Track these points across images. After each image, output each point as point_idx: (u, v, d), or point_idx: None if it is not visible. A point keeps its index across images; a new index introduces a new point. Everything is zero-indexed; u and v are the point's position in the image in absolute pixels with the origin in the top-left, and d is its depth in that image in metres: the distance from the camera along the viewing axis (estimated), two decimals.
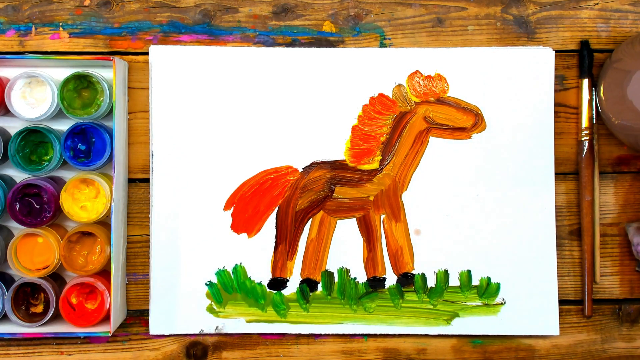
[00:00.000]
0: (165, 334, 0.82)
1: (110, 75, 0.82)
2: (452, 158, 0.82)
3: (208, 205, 0.82)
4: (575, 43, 0.84)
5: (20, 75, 0.79)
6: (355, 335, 0.83)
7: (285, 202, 0.83)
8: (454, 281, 0.82)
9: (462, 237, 0.82)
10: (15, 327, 0.79)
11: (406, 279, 0.83)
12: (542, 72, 0.82)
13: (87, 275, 0.80)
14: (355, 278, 0.83)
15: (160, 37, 0.83)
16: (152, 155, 0.82)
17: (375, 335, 0.83)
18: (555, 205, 0.83)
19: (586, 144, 0.82)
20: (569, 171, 0.84)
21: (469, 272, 0.82)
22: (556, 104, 0.83)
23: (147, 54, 0.83)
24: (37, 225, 0.78)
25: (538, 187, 0.82)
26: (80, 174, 0.80)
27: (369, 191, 0.83)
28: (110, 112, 0.81)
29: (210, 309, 0.82)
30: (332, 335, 0.83)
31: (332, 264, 0.83)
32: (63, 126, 0.81)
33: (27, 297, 0.80)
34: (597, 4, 0.84)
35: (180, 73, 0.82)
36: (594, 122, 0.83)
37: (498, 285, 0.82)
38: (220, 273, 0.82)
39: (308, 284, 0.83)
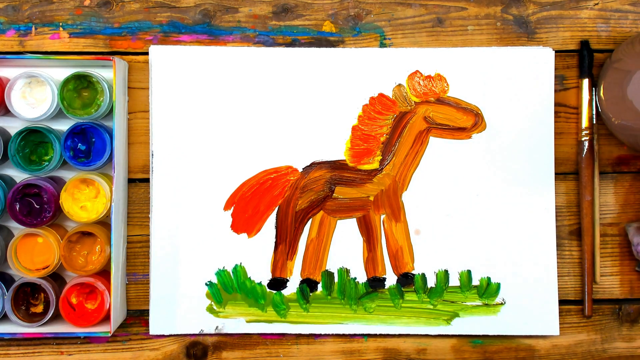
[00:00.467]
0: (165, 334, 0.82)
1: (110, 75, 0.82)
2: (452, 158, 0.82)
3: (208, 205, 0.82)
4: (575, 43, 0.84)
5: (20, 75, 0.79)
6: (355, 335, 0.83)
7: (285, 202, 0.83)
8: (454, 281, 0.82)
9: (462, 237, 0.82)
10: (15, 327, 0.79)
11: (406, 279, 0.83)
12: (542, 72, 0.82)
13: (87, 275, 0.80)
14: (355, 278, 0.83)
15: (160, 37, 0.83)
16: (152, 155, 0.82)
17: (375, 335, 0.83)
18: (555, 205, 0.83)
19: (586, 144, 0.82)
20: (569, 171, 0.84)
21: (469, 272, 0.82)
22: (556, 104, 0.83)
23: (147, 54, 0.83)
24: (37, 225, 0.78)
25: (538, 187, 0.82)
26: (80, 174, 0.80)
27: (369, 191, 0.83)
28: (110, 112, 0.81)
29: (210, 309, 0.82)
30: (332, 335, 0.83)
31: (332, 264, 0.83)
32: (63, 126, 0.81)
33: (27, 297, 0.80)
34: (597, 4, 0.84)
35: (180, 73, 0.82)
36: (594, 122, 0.83)
37: (498, 285, 0.82)
38: (220, 273, 0.82)
39: (308, 284, 0.83)
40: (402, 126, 0.82)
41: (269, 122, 0.82)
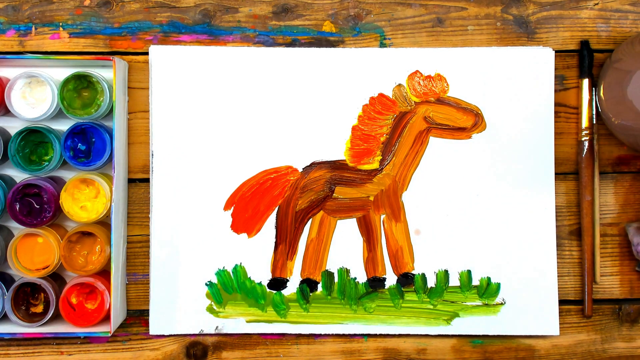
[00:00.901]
0: (165, 334, 0.82)
1: (110, 75, 0.82)
2: (452, 158, 0.82)
3: (208, 205, 0.82)
4: (575, 43, 0.84)
5: (20, 75, 0.79)
6: (355, 335, 0.83)
7: (285, 202, 0.83)
8: (454, 281, 0.82)
9: (462, 237, 0.82)
10: (15, 327, 0.79)
11: (406, 279, 0.83)
12: (542, 72, 0.82)
13: (87, 275, 0.80)
14: (355, 278, 0.83)
15: (160, 37, 0.83)
16: (152, 155, 0.82)
17: (375, 335, 0.83)
18: (555, 205, 0.83)
19: (586, 144, 0.82)
20: (569, 171, 0.84)
21: (469, 272, 0.82)
22: (556, 104, 0.83)
23: (147, 54, 0.83)
24: (37, 225, 0.78)
25: (538, 187, 0.82)
26: (80, 174, 0.80)
27: (369, 191, 0.83)
28: (110, 112, 0.81)
29: (210, 309, 0.82)
30: (332, 335, 0.83)
31: (332, 264, 0.83)
32: (63, 126, 0.81)
33: (27, 297, 0.80)
34: (597, 4, 0.84)
35: (180, 73, 0.82)
36: (594, 122, 0.83)
37: (498, 285, 0.82)
38: (220, 273, 0.82)
39: (308, 284, 0.83)
40: (402, 126, 0.82)
41: (268, 122, 0.82)
